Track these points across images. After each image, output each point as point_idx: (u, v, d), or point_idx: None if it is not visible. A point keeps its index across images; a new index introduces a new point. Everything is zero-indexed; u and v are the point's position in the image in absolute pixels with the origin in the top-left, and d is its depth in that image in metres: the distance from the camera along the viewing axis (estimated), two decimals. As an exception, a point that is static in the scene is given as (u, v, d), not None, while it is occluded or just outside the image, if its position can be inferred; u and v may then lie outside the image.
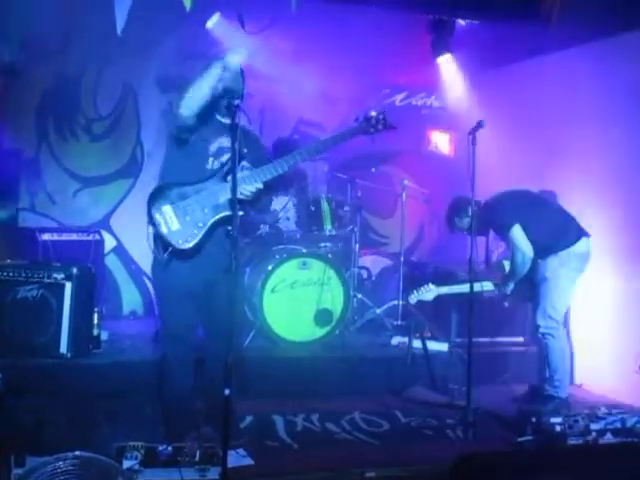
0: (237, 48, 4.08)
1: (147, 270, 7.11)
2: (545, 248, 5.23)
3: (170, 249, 4.06)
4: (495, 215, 5.35)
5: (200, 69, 3.99)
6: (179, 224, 4.04)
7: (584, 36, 5.96)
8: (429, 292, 5.49)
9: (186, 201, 4.06)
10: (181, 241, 4.04)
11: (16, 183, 6.61)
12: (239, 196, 3.97)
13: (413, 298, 5.55)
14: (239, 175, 3.96)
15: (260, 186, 4.09)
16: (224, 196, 4.07)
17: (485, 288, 5.51)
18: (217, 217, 4.09)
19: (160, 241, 4.08)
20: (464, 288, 5.17)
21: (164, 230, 4.03)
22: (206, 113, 4.29)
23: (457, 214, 5.48)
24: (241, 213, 3.86)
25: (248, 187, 4.05)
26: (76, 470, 2.92)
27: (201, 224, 4.07)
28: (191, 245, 4.06)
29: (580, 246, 5.20)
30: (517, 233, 5.22)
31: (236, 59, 4.01)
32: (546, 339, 5.26)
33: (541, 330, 5.27)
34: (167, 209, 4.04)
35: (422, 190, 7.29)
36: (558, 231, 5.25)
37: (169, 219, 4.04)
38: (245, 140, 4.18)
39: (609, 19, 5.64)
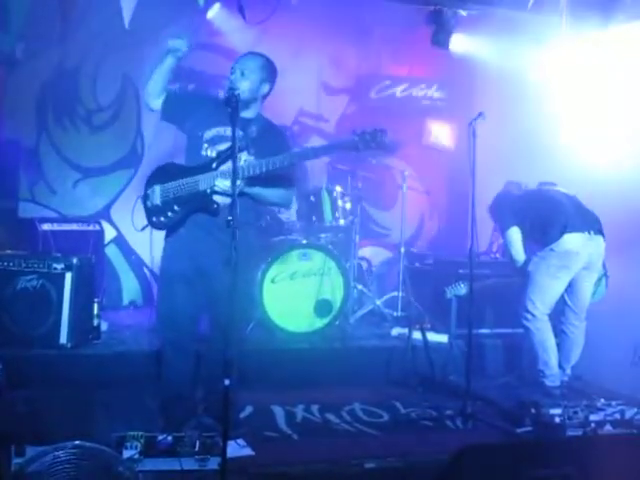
0: (178, 36, 4.18)
1: (147, 260, 7.18)
2: (532, 244, 5.38)
3: (146, 224, 4.27)
4: (498, 212, 5.58)
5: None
6: (160, 203, 4.19)
7: (587, 26, 5.95)
8: (463, 288, 5.50)
9: (172, 183, 4.17)
10: (155, 219, 4.23)
11: (16, 173, 6.59)
12: (216, 189, 4.05)
13: (449, 293, 5.61)
14: (224, 167, 4.04)
15: (237, 183, 4.04)
16: (204, 185, 4.10)
17: None
18: (192, 205, 4.14)
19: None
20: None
21: (148, 205, 4.24)
22: (202, 101, 4.33)
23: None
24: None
25: (225, 182, 3.98)
26: (76, 460, 2.92)
27: (177, 208, 4.17)
28: (164, 224, 4.21)
29: (563, 243, 5.23)
30: (512, 236, 5.43)
31: (177, 45, 4.15)
32: (525, 330, 5.41)
33: (521, 321, 5.41)
34: (157, 188, 4.21)
35: (422, 182, 7.28)
36: (542, 229, 5.32)
37: (155, 197, 4.20)
38: (258, 131, 4.19)
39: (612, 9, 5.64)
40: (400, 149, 4.27)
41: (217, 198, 4.08)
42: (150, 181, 4.26)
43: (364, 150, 4.07)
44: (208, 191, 4.09)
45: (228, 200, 3.82)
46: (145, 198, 4.25)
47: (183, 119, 4.31)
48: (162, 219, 4.20)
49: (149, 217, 4.25)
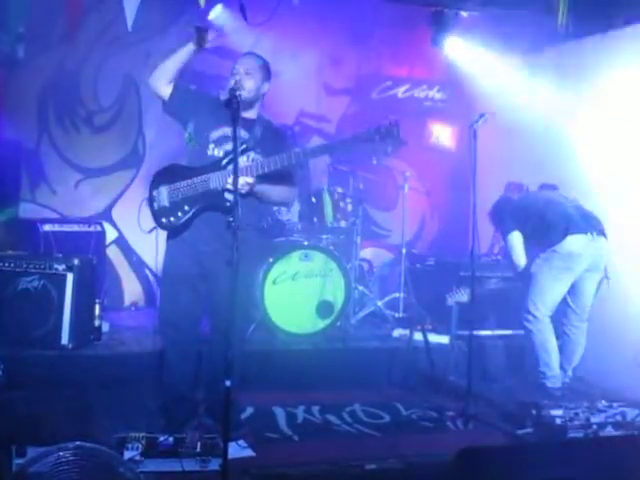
0: (209, 30, 4.19)
1: (148, 261, 7.19)
2: (534, 247, 5.37)
3: (154, 226, 4.24)
4: (498, 217, 5.57)
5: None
6: (168, 204, 4.16)
7: (588, 28, 5.95)
8: (464, 295, 5.51)
9: (180, 183, 4.14)
10: (164, 220, 4.18)
11: (17, 174, 6.60)
12: (228, 187, 4.03)
13: (450, 300, 5.63)
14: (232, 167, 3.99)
15: (250, 181, 4.06)
16: (215, 184, 4.10)
17: None
18: (204, 204, 4.13)
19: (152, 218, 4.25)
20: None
21: (155, 207, 4.20)
22: (207, 100, 4.34)
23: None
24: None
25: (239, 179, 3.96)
26: (77, 460, 2.91)
27: (187, 207, 4.14)
28: (174, 225, 4.17)
29: (566, 245, 5.22)
30: (512, 240, 5.43)
31: (206, 39, 4.15)
32: (526, 331, 5.40)
33: (523, 322, 5.40)
34: (163, 189, 4.18)
35: (423, 183, 7.27)
36: (545, 231, 5.31)
37: (162, 198, 4.17)
38: (263, 132, 4.20)
39: (614, 12, 5.63)
40: (403, 147, 4.25)
41: (228, 196, 4.07)
42: (154, 183, 4.23)
43: (380, 142, 4.09)
44: (219, 189, 4.09)
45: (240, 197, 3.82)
46: (151, 200, 4.21)
47: (188, 116, 4.28)
48: (172, 219, 4.16)
49: (158, 219, 4.21)
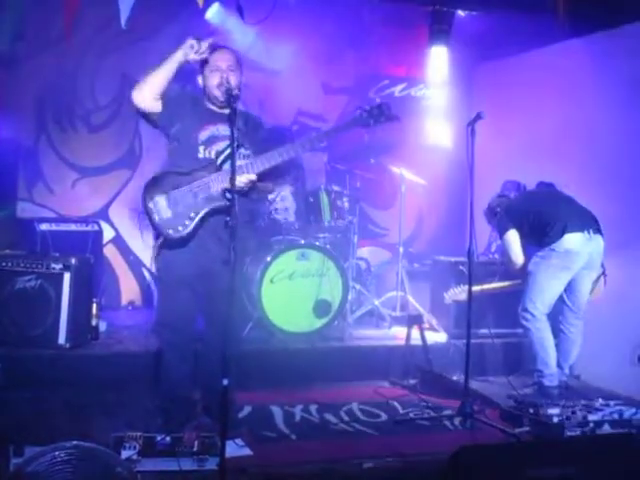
0: (203, 40, 4.09)
1: (146, 261, 7.18)
2: (532, 245, 5.39)
3: (162, 238, 4.11)
4: (494, 215, 5.62)
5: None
6: (171, 214, 4.06)
7: (587, 28, 5.95)
8: (462, 293, 5.51)
9: (179, 190, 4.06)
10: (172, 231, 4.07)
11: (14, 173, 6.59)
12: (229, 186, 3.98)
13: (447, 299, 5.62)
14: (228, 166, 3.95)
15: (253, 178, 4.05)
16: (216, 186, 4.06)
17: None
18: (209, 208, 4.08)
19: (153, 230, 4.14)
20: (496, 286, 5.73)
21: (156, 219, 4.07)
22: (189, 101, 4.29)
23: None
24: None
25: (240, 178, 3.95)
26: (74, 460, 2.92)
27: (193, 214, 4.07)
28: (182, 235, 4.08)
29: (564, 243, 5.22)
30: (510, 238, 5.43)
31: (202, 49, 4.05)
32: (524, 329, 5.42)
33: (520, 320, 5.41)
34: (160, 199, 4.07)
35: (421, 181, 7.25)
36: (542, 229, 5.32)
37: (162, 209, 4.06)
38: (245, 125, 4.18)
39: (613, 10, 5.63)
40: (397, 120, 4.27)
41: (229, 196, 4.02)
42: (148, 194, 4.07)
43: (374, 125, 4.11)
44: (220, 191, 4.05)
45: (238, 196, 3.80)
46: (149, 213, 4.07)
47: (174, 122, 4.19)
48: (180, 228, 4.06)
49: (164, 230, 4.06)
